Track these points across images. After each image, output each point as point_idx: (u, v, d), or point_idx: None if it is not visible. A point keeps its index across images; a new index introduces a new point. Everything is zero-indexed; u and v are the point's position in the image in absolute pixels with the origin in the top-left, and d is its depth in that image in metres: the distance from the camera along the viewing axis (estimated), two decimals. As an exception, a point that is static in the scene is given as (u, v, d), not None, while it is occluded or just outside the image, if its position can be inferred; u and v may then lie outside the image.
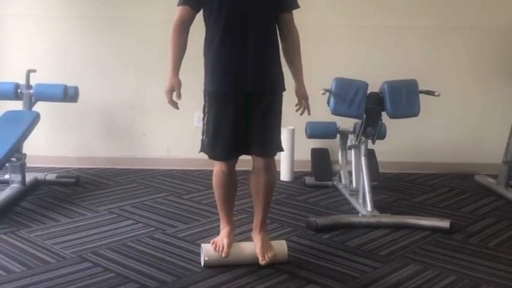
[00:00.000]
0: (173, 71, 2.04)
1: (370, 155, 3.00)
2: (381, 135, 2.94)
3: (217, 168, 2.13)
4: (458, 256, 2.34)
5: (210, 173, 2.25)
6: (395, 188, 3.36)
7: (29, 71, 3.17)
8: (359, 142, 2.86)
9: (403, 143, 3.64)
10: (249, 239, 2.32)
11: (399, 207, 2.98)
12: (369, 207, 2.71)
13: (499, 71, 3.66)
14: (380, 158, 3.23)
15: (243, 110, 2.05)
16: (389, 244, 2.45)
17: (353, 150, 2.98)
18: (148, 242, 2.40)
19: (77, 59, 3.59)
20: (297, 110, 2.17)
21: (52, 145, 3.66)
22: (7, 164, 2.88)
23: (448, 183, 3.49)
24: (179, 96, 2.04)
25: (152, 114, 3.64)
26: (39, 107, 3.20)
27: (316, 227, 2.58)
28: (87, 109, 3.58)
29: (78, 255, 2.24)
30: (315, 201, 3.08)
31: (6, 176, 3.06)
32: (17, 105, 3.19)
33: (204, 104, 2.11)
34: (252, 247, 2.18)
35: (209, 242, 2.20)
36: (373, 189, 2.84)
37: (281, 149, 2.16)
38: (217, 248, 2.12)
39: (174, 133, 3.66)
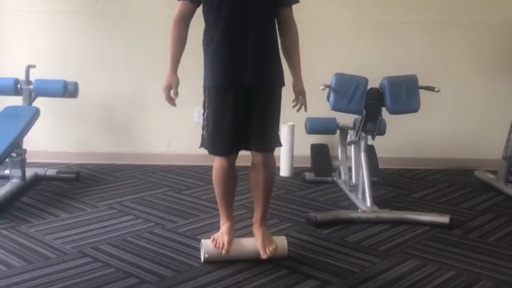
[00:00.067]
0: (172, 68, 2.04)
1: (370, 150, 3.00)
2: (381, 131, 2.94)
3: (217, 163, 2.13)
4: (457, 251, 2.34)
5: (209, 168, 2.25)
6: (395, 183, 3.36)
7: (29, 67, 3.17)
8: (359, 138, 2.86)
9: (403, 138, 3.64)
10: (249, 234, 2.32)
11: (399, 203, 2.98)
12: (369, 203, 2.72)
13: (500, 67, 3.66)
14: (380, 153, 3.23)
15: (242, 104, 2.05)
16: (388, 239, 2.46)
17: (353, 146, 2.99)
18: (148, 237, 2.41)
19: (76, 55, 3.59)
20: (293, 106, 2.16)
21: (52, 140, 3.66)
22: (7, 160, 2.88)
23: (448, 179, 3.49)
24: (176, 94, 2.04)
25: (152, 109, 3.64)
26: (39, 102, 3.20)
27: (315, 222, 2.58)
28: (87, 105, 3.58)
29: (78, 250, 2.25)
30: (315, 196, 3.08)
31: (7, 171, 3.06)
32: (17, 101, 3.19)
33: (204, 99, 2.11)
34: (253, 242, 2.18)
35: (209, 238, 2.20)
36: (373, 185, 2.84)
37: (279, 144, 2.16)
38: (217, 245, 2.13)
39: (174, 128, 3.66)
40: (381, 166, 3.28)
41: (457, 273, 2.14)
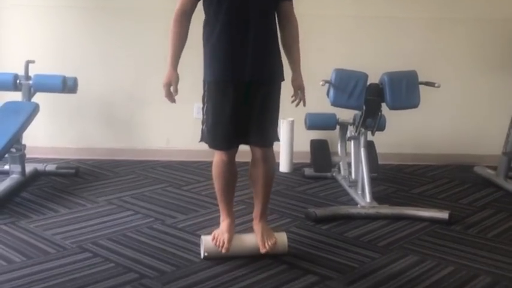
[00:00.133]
0: (172, 64, 2.04)
1: (370, 146, 3.00)
2: (381, 127, 2.94)
3: (217, 158, 2.13)
4: (456, 247, 2.35)
5: (209, 164, 2.25)
6: (395, 179, 3.36)
7: (28, 62, 3.16)
8: (358, 133, 2.86)
9: (403, 134, 3.64)
10: (249, 230, 2.33)
11: (398, 199, 2.98)
12: (368, 199, 2.72)
13: (500, 63, 3.65)
14: (379, 149, 3.23)
15: (242, 99, 2.05)
16: (388, 235, 2.46)
17: (352, 142, 2.99)
18: (148, 233, 2.41)
19: (76, 50, 3.58)
20: (292, 101, 2.16)
21: (51, 136, 3.66)
22: (7, 155, 2.88)
23: (447, 175, 3.49)
24: (176, 91, 2.05)
25: (152, 105, 3.63)
26: (38, 98, 3.19)
27: (315, 218, 2.59)
28: (87, 100, 3.57)
29: (78, 246, 2.25)
30: (314, 192, 3.08)
31: (6, 167, 3.06)
32: (16, 96, 3.18)
33: (204, 93, 2.10)
34: (253, 238, 2.18)
35: (209, 233, 2.21)
36: (372, 181, 2.84)
37: (277, 139, 2.16)
38: (217, 243, 2.12)
39: (173, 124, 3.65)
40: (380, 162, 3.28)
41: (456, 268, 2.14)
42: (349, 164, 3.10)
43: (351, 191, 2.96)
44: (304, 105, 2.16)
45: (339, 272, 2.08)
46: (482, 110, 3.73)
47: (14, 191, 2.87)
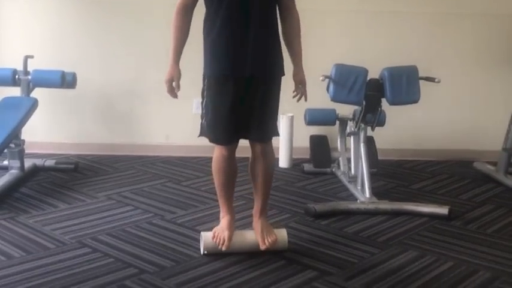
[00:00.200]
0: (174, 59, 2.03)
1: (369, 141, 2.99)
2: (381, 122, 2.93)
3: (217, 153, 2.12)
4: (456, 242, 2.35)
5: (208, 159, 2.25)
6: (394, 174, 3.36)
7: (27, 57, 3.15)
8: (358, 129, 2.86)
9: (403, 130, 3.63)
10: (248, 225, 2.32)
11: (398, 194, 2.98)
12: (367, 194, 2.72)
13: (500, 58, 3.64)
14: (379, 145, 3.23)
15: (242, 94, 2.04)
16: (387, 230, 2.46)
17: (352, 137, 2.98)
18: (147, 228, 2.41)
19: (74, 45, 3.57)
20: (294, 96, 2.15)
21: (50, 131, 3.65)
22: (6, 150, 2.87)
23: (447, 170, 3.49)
24: (178, 87, 2.04)
25: (151, 100, 3.62)
26: (37, 93, 3.18)
27: (314, 213, 2.58)
28: (86, 95, 3.56)
29: (78, 241, 2.25)
30: (314, 187, 3.08)
31: (5, 162, 3.06)
32: (15, 92, 3.17)
33: (203, 88, 2.09)
34: (253, 235, 2.18)
35: (207, 229, 2.20)
36: (372, 176, 2.84)
37: (277, 134, 2.15)
38: (217, 241, 2.11)
39: (172, 120, 3.65)
40: (380, 157, 3.27)
41: (456, 263, 2.14)
42: (349, 160, 3.10)
43: (350, 187, 2.95)
44: (306, 100, 2.15)
45: (338, 267, 2.08)
46: (482, 106, 3.72)
47: (13, 187, 2.87)
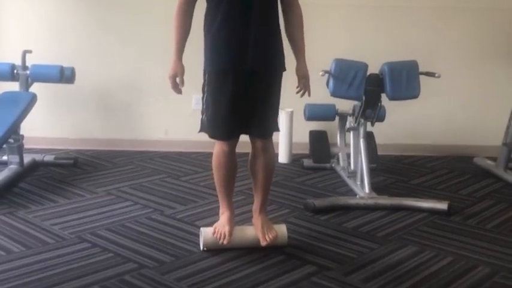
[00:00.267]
0: (177, 55, 2.03)
1: (369, 137, 2.99)
2: (380, 117, 2.93)
3: (217, 148, 2.12)
4: (455, 238, 2.35)
5: (207, 155, 2.25)
6: (394, 170, 3.36)
7: (25, 52, 3.14)
8: (358, 124, 2.85)
9: (402, 125, 3.63)
10: (247, 220, 2.32)
11: (397, 189, 2.98)
12: (367, 189, 2.71)
13: (500, 53, 3.63)
14: (379, 140, 3.22)
15: (242, 89, 2.03)
16: (386, 226, 2.46)
17: (352, 133, 2.98)
18: (147, 223, 2.41)
19: (73, 40, 3.55)
20: (297, 92, 2.13)
21: (49, 126, 3.65)
22: (5, 146, 2.87)
23: (447, 166, 3.49)
24: (182, 83, 2.04)
25: (150, 95, 3.62)
26: (36, 88, 3.17)
27: (313, 208, 2.58)
28: (85, 90, 3.55)
29: (77, 236, 2.25)
30: (313, 183, 3.08)
31: (4, 158, 3.05)
32: (14, 87, 3.16)
33: (204, 83, 2.09)
34: (253, 231, 2.17)
35: (207, 224, 2.20)
36: (371, 171, 2.84)
37: (277, 129, 2.15)
38: (218, 236, 2.11)
39: (172, 115, 3.64)
40: (379, 152, 3.27)
41: (455, 259, 2.14)
42: (348, 155, 3.09)
43: (349, 182, 2.95)
44: (309, 95, 2.14)
45: (337, 262, 2.08)
46: (482, 101, 3.72)
47: (12, 182, 2.87)
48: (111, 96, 3.66)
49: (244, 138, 2.13)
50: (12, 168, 2.95)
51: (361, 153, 2.79)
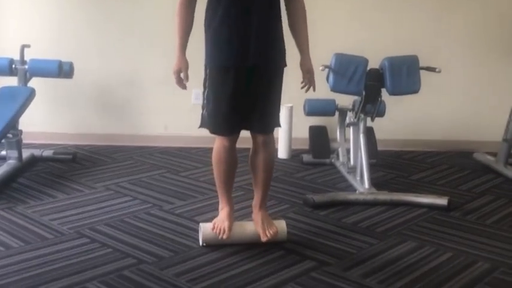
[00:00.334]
0: (181, 50, 2.02)
1: (369, 132, 2.98)
2: (380, 113, 2.92)
3: (218, 144, 2.11)
4: (455, 233, 2.34)
5: (207, 150, 2.24)
6: (394, 165, 3.35)
7: (23, 46, 3.12)
8: (358, 119, 2.84)
9: (402, 120, 3.62)
10: (246, 216, 2.32)
11: (397, 185, 2.98)
12: (366, 185, 2.71)
13: (500, 48, 3.62)
14: (379, 135, 3.22)
15: (244, 84, 2.02)
16: (386, 221, 2.45)
17: (351, 128, 2.97)
18: (146, 218, 2.41)
19: (72, 34, 3.54)
20: (302, 87, 2.12)
21: (48, 121, 3.64)
22: (3, 141, 2.86)
23: (447, 161, 3.48)
24: (186, 78, 2.03)
25: (150, 90, 3.60)
26: (34, 82, 3.16)
27: (313, 204, 2.58)
28: (84, 85, 3.54)
29: (76, 231, 2.25)
30: (312, 178, 3.07)
31: (3, 152, 3.04)
32: (12, 81, 3.15)
33: (205, 78, 2.07)
34: (253, 226, 2.17)
35: (206, 219, 2.19)
36: (371, 167, 2.83)
37: (278, 125, 2.14)
38: (218, 231, 2.10)
39: (171, 110, 3.63)
40: (379, 148, 3.27)
41: (455, 254, 2.14)
42: (348, 150, 3.09)
43: (349, 177, 2.95)
44: (314, 90, 2.13)
45: (336, 257, 2.08)
46: (483, 96, 3.71)
47: (11, 177, 2.86)
48: (110, 91, 3.65)
49: (244, 133, 2.12)
50: (11, 163, 2.94)
51: (361, 149, 2.78)
